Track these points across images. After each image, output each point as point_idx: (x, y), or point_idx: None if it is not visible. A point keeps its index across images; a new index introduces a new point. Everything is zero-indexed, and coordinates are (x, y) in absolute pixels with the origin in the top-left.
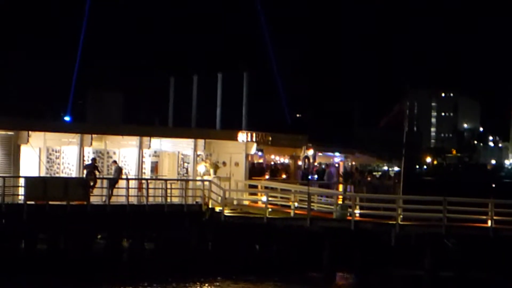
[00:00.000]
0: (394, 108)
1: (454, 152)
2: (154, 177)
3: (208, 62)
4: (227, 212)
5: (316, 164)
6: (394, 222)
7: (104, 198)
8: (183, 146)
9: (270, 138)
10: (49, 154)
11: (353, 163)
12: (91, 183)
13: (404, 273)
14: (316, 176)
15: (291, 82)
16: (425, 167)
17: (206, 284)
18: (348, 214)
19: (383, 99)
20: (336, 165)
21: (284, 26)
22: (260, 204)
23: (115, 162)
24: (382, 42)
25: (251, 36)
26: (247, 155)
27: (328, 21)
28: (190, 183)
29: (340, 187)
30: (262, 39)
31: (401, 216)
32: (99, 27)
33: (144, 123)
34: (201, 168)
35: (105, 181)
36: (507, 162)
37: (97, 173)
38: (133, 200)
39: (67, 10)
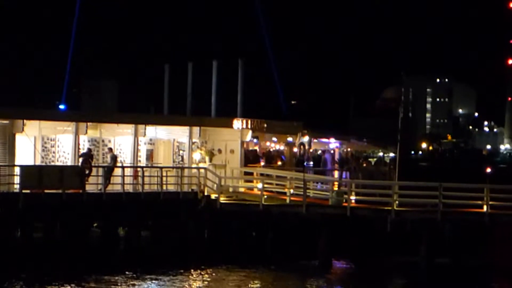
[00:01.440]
0: (385, 93)
1: (449, 137)
2: (149, 165)
3: (203, 50)
4: (222, 199)
5: (311, 150)
6: (390, 208)
7: (99, 187)
8: (179, 133)
9: (265, 125)
10: (44, 142)
11: (349, 149)
12: (87, 172)
13: (400, 259)
14: (311, 163)
15: (287, 68)
16: (420, 152)
17: (202, 272)
18: (344, 200)
19: (379, 85)
20: (332, 151)
21: (280, 15)
22: (255, 191)
23: (110, 149)
24: (377, 28)
25: (246, 23)
26: (242, 142)
27: (324, 8)
28: (186, 170)
29: (336, 174)
30: (258, 26)
31: (397, 202)
32: (93, 15)
33: (139, 111)
34: (197, 155)
35: (100, 170)
36: (502, 147)
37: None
38: (128, 188)
39: None
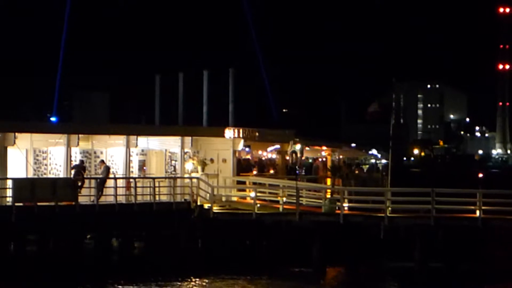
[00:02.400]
0: (377, 102)
1: (441, 143)
2: (142, 176)
3: (194, 59)
4: (215, 209)
5: (303, 158)
6: (383, 215)
7: (92, 198)
8: (170, 144)
9: (257, 134)
10: (36, 155)
11: (341, 156)
12: (79, 183)
13: (394, 265)
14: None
15: (278, 77)
16: (412, 159)
17: (197, 282)
18: (337, 207)
19: (370, 93)
20: (324, 159)
21: (271, 23)
22: (248, 200)
23: (102, 161)
24: (368, 34)
25: (238, 32)
26: (234, 151)
27: (313, 14)
28: (178, 180)
29: (329, 181)
30: (249, 35)
31: (390, 209)
32: (83, 27)
33: (131, 122)
34: (189, 165)
35: (93, 181)
36: (494, 152)
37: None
38: (121, 199)
39: (49, 11)
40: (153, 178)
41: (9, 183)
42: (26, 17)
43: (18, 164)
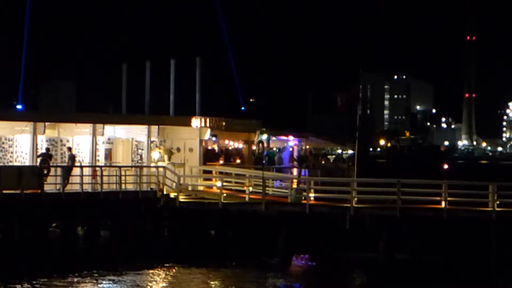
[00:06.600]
0: (349, 91)
1: (407, 134)
2: (108, 164)
3: (161, 48)
4: (182, 198)
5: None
6: (349, 205)
7: (58, 186)
8: (137, 132)
9: (224, 123)
10: (2, 143)
11: (307, 147)
12: (45, 171)
13: (360, 255)
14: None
15: (245, 67)
16: (378, 149)
17: (162, 271)
18: (303, 198)
19: (337, 84)
20: (290, 149)
21: (239, 12)
22: (215, 189)
23: (69, 149)
24: (334, 27)
25: (205, 20)
26: (201, 141)
27: (282, 5)
28: (145, 169)
29: (295, 171)
30: (217, 23)
31: (356, 199)
32: (47, 15)
33: (98, 110)
34: (155, 154)
35: (59, 169)
36: (460, 143)
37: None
38: (87, 188)
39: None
40: (119, 167)
41: None
42: None
43: None
